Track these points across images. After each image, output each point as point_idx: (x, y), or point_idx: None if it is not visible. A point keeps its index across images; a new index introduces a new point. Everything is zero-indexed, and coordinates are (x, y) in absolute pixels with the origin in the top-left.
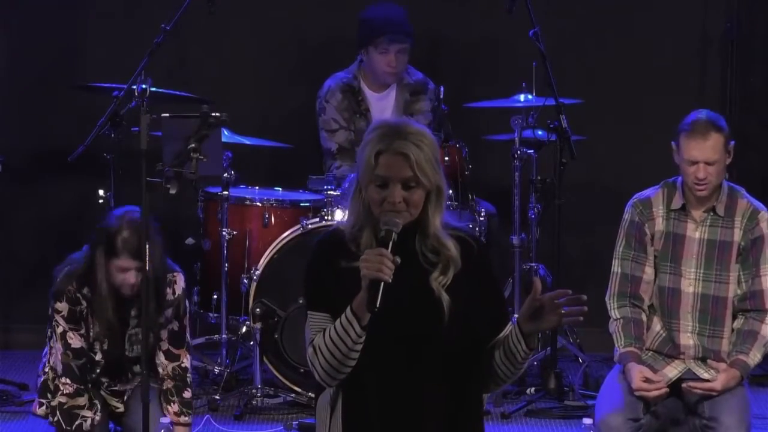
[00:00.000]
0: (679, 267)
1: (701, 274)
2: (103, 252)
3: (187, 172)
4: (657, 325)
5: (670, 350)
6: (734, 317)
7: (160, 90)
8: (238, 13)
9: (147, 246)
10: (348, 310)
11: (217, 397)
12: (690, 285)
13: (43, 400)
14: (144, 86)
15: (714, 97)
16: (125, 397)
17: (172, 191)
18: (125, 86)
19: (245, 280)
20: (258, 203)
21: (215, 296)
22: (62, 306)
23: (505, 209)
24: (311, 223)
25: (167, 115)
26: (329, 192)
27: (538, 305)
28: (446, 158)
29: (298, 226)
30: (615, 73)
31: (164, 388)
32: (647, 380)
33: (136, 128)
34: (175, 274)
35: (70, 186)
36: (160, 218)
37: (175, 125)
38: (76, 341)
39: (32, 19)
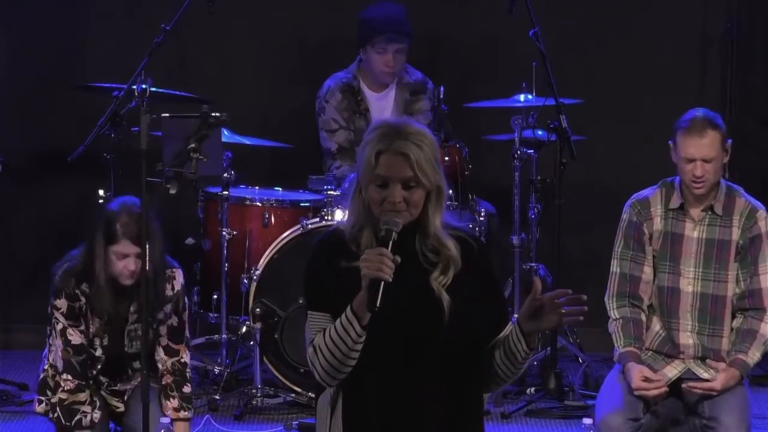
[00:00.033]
0: (678, 266)
1: (700, 274)
2: (102, 239)
3: (187, 172)
4: (656, 325)
5: (670, 350)
6: (733, 316)
7: (160, 90)
8: (238, 13)
9: (147, 246)
10: (348, 309)
11: (217, 397)
12: (689, 284)
13: (43, 398)
14: (144, 86)
15: (714, 97)
16: (125, 397)
17: (172, 191)
18: (125, 86)
19: (245, 280)
20: (258, 203)
21: (215, 296)
22: (61, 303)
23: (505, 209)
24: (311, 223)
25: (167, 115)
26: (329, 192)
27: (538, 305)
28: (446, 158)
29: (298, 226)
30: (615, 73)
31: (164, 383)
32: (647, 379)
33: (136, 128)
34: (174, 269)
35: (70, 186)
36: (161, 218)
37: (175, 125)
38: (75, 337)
39: (32, 19)
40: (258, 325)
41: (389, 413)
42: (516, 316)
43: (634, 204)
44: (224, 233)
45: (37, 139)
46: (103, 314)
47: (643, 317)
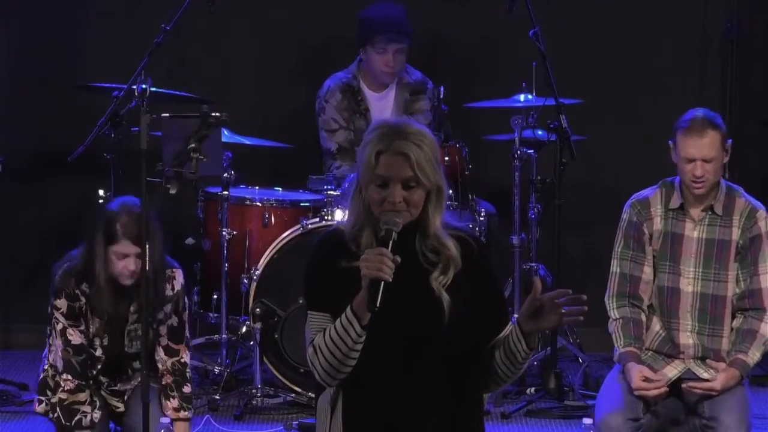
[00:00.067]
0: (678, 266)
1: (700, 273)
2: (102, 239)
3: (187, 172)
4: (656, 325)
5: (670, 350)
6: (733, 316)
7: (160, 90)
8: (238, 13)
9: (147, 246)
10: (348, 309)
11: (217, 397)
12: (689, 284)
13: (43, 398)
14: (144, 86)
15: (714, 97)
16: (125, 397)
17: (172, 191)
18: (125, 86)
19: (245, 280)
20: (258, 203)
21: (215, 296)
22: (61, 303)
23: (505, 209)
24: (311, 223)
25: (167, 115)
26: (329, 192)
27: (539, 305)
28: (446, 158)
29: (298, 226)
30: (615, 73)
31: (164, 383)
32: (646, 379)
33: (136, 128)
34: (174, 269)
35: (70, 186)
36: (161, 218)
37: (175, 125)
38: (76, 337)
39: (32, 19)
40: (258, 325)
41: (389, 413)
42: (516, 316)
43: (634, 204)
44: (224, 233)
45: (37, 139)
46: (103, 314)
47: (643, 317)
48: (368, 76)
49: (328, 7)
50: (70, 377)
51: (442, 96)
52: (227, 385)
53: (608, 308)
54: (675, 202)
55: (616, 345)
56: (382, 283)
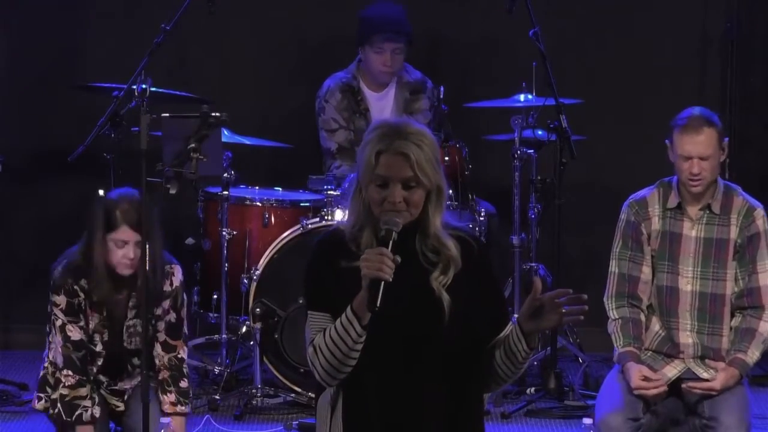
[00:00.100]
0: (677, 266)
1: (698, 273)
2: (101, 227)
3: (187, 172)
4: (656, 325)
5: (670, 349)
6: (732, 315)
7: (160, 90)
8: (238, 13)
9: (146, 246)
10: (348, 309)
11: (217, 397)
12: (688, 283)
13: (42, 395)
14: (144, 86)
15: (714, 97)
16: (125, 397)
17: (172, 191)
18: (125, 86)
19: (245, 280)
20: (258, 203)
21: (215, 296)
22: (60, 299)
23: (505, 209)
24: (311, 223)
25: (167, 115)
26: (329, 192)
27: (539, 305)
28: (446, 158)
29: (298, 226)
30: (615, 73)
31: (160, 378)
32: (646, 379)
33: (136, 128)
34: (172, 265)
35: (70, 186)
36: (161, 218)
37: (175, 125)
38: (75, 333)
39: (32, 19)
40: (258, 325)
41: (389, 413)
42: (516, 316)
43: (632, 204)
44: (224, 233)
45: (37, 139)
46: (101, 307)
47: (642, 317)
48: (368, 76)
49: (328, 7)
50: (70, 372)
51: (442, 96)
52: (227, 385)
53: (607, 308)
54: (672, 201)
55: (615, 345)
56: (382, 283)
